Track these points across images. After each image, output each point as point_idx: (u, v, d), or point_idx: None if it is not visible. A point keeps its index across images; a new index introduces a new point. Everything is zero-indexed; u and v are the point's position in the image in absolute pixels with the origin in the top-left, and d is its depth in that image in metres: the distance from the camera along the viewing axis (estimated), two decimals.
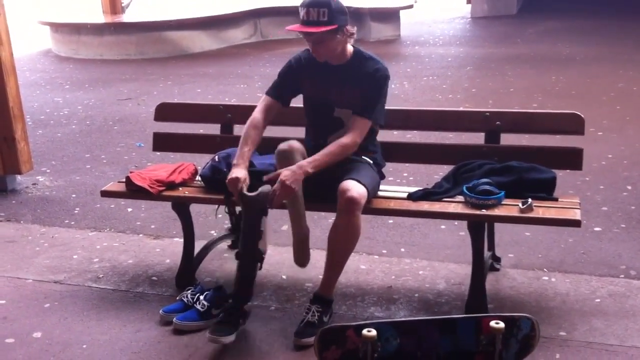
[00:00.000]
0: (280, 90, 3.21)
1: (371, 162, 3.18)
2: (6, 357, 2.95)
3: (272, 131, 3.28)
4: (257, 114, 3.17)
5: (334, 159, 2.99)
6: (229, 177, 2.98)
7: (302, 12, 2.97)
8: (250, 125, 3.15)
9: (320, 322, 2.93)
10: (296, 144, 3.05)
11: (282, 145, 3.02)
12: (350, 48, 3.12)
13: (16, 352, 2.98)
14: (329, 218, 3.72)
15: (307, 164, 2.93)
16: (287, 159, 2.97)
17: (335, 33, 2.98)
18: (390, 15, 11.47)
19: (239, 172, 2.98)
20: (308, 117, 3.31)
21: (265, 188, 2.91)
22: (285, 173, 2.88)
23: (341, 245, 2.97)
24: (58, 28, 11.47)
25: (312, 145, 3.18)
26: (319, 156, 2.97)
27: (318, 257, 3.72)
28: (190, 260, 3.52)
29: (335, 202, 2.94)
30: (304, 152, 3.05)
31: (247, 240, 2.91)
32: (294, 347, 2.90)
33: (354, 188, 2.89)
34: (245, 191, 2.94)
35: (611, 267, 3.54)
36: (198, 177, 3.52)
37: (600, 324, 3.00)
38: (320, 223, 3.96)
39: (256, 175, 3.11)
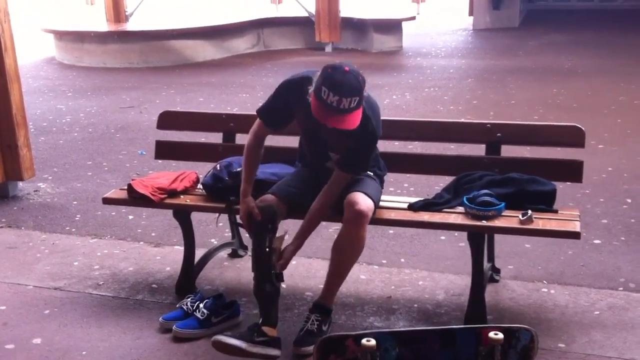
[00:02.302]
0: (272, 118, 3.10)
1: (372, 174, 3.19)
2: None
3: (273, 140, 3.29)
4: (253, 140, 3.13)
5: (317, 224, 3.08)
6: (243, 213, 3.05)
7: (332, 99, 2.72)
8: (248, 151, 3.13)
9: (319, 331, 2.93)
10: (265, 203, 3.03)
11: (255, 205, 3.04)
12: None
13: (16, 358, 2.98)
14: (330, 227, 3.74)
15: (302, 238, 3.04)
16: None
17: (361, 107, 2.83)
18: (392, 27, 11.51)
19: (250, 202, 3.05)
20: (302, 141, 3.29)
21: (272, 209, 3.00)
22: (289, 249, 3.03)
23: (345, 256, 2.99)
24: (62, 36, 11.51)
25: (309, 162, 3.21)
26: (304, 231, 3.05)
27: (318, 267, 3.74)
28: (191, 268, 3.52)
29: (338, 212, 2.96)
30: (277, 208, 3.03)
31: (256, 259, 2.95)
32: (293, 355, 2.91)
33: (362, 201, 2.92)
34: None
35: (610, 280, 3.55)
36: (200, 186, 3.54)
37: (599, 336, 3.00)
38: (321, 232, 3.97)
39: (258, 185, 3.15)
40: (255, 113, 3.17)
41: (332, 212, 3.07)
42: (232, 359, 2.85)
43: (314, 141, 3.14)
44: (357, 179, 3.07)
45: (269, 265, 2.94)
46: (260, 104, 3.15)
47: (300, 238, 3.05)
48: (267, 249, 2.93)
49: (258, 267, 2.94)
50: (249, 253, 3.27)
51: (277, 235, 3.00)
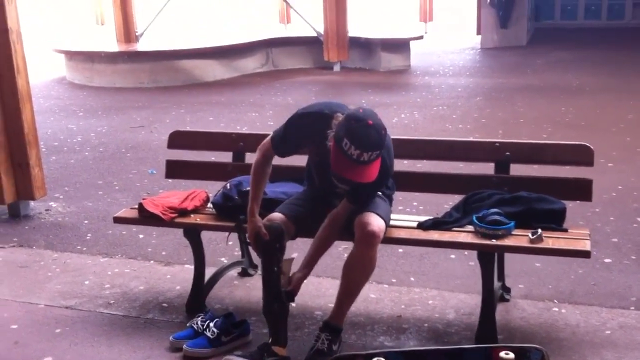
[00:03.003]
0: (282, 147, 3.11)
1: (380, 194, 3.20)
2: None
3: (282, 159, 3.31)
4: (260, 159, 3.14)
5: (325, 251, 3.11)
6: (250, 232, 3.07)
7: (353, 152, 2.71)
8: (256, 168, 3.14)
9: (329, 351, 2.93)
10: (272, 223, 3.03)
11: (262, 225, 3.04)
12: None
13: None
14: (339, 246, 3.74)
15: (307, 270, 3.08)
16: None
17: (379, 158, 2.82)
18: (400, 46, 11.58)
19: (258, 221, 3.06)
20: (310, 166, 3.30)
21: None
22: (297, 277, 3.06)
23: (356, 276, 2.99)
24: (72, 56, 11.64)
25: (317, 187, 3.22)
26: (311, 259, 3.08)
27: (327, 285, 3.74)
28: (201, 287, 3.53)
29: (348, 232, 2.98)
30: (285, 227, 3.03)
31: (265, 279, 2.96)
32: None
33: (375, 222, 2.94)
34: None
35: (622, 299, 3.53)
36: (210, 205, 3.55)
37: (610, 355, 2.98)
38: (330, 251, 3.93)
39: (268, 204, 3.17)
40: (265, 133, 3.18)
41: (342, 231, 3.07)
42: None
43: (323, 172, 3.12)
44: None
45: (278, 284, 2.95)
46: (276, 129, 3.15)
47: (308, 266, 3.07)
48: (276, 269, 2.94)
49: (267, 286, 2.95)
50: (259, 272, 3.28)
51: (286, 258, 3.01)
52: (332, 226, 3.04)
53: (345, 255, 4.01)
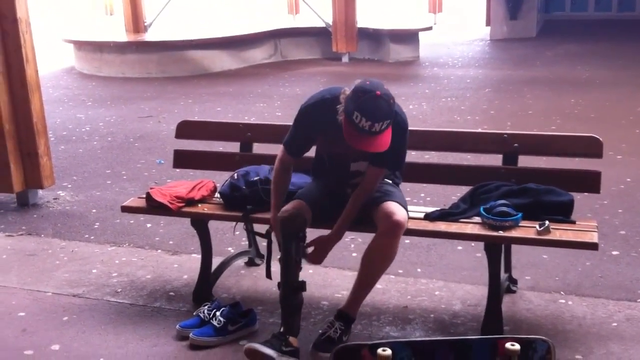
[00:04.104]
0: (296, 147, 3.15)
1: (390, 182, 3.20)
2: None
3: None
4: (279, 167, 3.16)
5: (357, 214, 3.05)
6: (274, 223, 3.06)
7: (365, 124, 2.75)
8: (275, 177, 3.17)
9: (339, 341, 2.94)
10: (295, 210, 2.99)
11: (282, 214, 2.99)
12: None
13: None
14: (346, 237, 3.74)
15: (341, 229, 3.04)
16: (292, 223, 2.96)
17: (390, 127, 2.85)
18: (409, 37, 11.53)
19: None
20: (319, 164, 3.29)
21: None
22: (321, 240, 3.03)
23: (377, 266, 3.00)
24: (81, 46, 11.65)
25: (332, 182, 3.20)
26: (346, 218, 3.04)
27: (334, 276, 3.75)
28: (208, 277, 3.55)
29: (368, 222, 2.98)
30: (305, 215, 3.01)
31: (284, 269, 2.93)
32: (310, 357, 2.91)
33: (399, 212, 2.95)
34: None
35: (629, 291, 3.52)
36: (217, 194, 3.56)
37: (617, 348, 2.98)
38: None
39: (289, 196, 3.17)
40: (273, 123, 3.18)
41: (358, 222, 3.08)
42: None
43: (338, 160, 3.14)
44: (384, 189, 3.08)
45: (297, 275, 2.94)
46: (285, 136, 3.17)
47: (340, 229, 3.04)
48: (296, 259, 2.93)
49: (286, 277, 2.92)
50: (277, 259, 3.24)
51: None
52: (362, 193, 3.03)
53: (352, 245, 4.05)
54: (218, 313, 3.16)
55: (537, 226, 2.98)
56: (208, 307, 3.24)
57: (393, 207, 2.96)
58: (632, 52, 11.25)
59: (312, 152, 3.29)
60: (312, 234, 3.06)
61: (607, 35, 13.10)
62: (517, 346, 2.52)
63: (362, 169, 3.11)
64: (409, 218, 3.16)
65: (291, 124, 3.16)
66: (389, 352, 2.51)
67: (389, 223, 2.92)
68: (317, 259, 3.08)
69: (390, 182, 3.19)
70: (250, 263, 3.93)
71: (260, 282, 3.69)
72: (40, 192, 5.23)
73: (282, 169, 3.16)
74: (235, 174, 3.46)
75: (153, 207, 3.48)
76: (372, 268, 2.99)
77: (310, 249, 3.03)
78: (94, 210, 5.02)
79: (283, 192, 3.15)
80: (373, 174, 3.04)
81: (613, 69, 9.86)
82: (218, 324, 3.12)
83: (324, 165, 3.25)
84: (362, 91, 2.79)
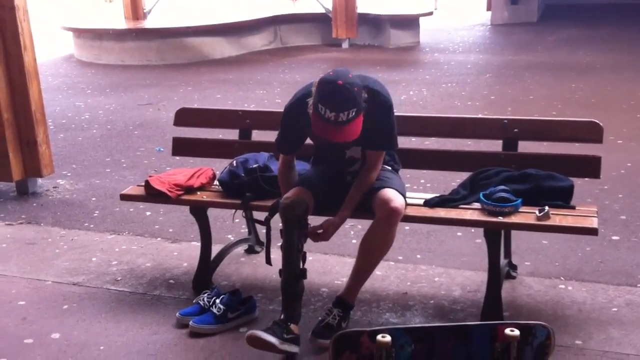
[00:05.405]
0: (288, 146, 3.15)
1: (389, 168, 3.19)
2: (25, 357, 2.99)
3: None
4: (282, 167, 3.17)
5: (362, 197, 3.04)
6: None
7: (329, 115, 2.74)
8: (280, 177, 3.17)
9: (338, 327, 2.94)
10: (298, 197, 2.97)
11: (285, 201, 2.96)
12: None
13: (34, 353, 3.02)
14: (345, 224, 3.73)
15: (347, 212, 3.01)
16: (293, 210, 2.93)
17: (360, 115, 2.83)
18: (409, 22, 11.48)
19: None
20: (318, 153, 3.29)
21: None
22: (329, 222, 2.99)
23: (375, 253, 2.99)
24: (80, 34, 11.61)
25: (331, 170, 3.19)
26: (352, 202, 3.02)
27: (334, 263, 3.75)
28: (207, 264, 3.54)
29: (367, 209, 2.98)
30: (308, 202, 2.99)
31: (286, 256, 2.92)
32: (309, 350, 2.91)
33: (397, 199, 2.94)
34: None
35: (629, 276, 3.52)
36: (216, 182, 3.55)
37: (616, 333, 2.98)
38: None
39: (275, 182, 3.19)
40: (272, 110, 3.17)
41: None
42: (251, 354, 2.86)
43: (331, 153, 3.16)
44: (380, 176, 3.07)
45: (299, 262, 2.93)
46: (276, 138, 3.18)
47: (346, 209, 3.02)
48: (298, 245, 2.92)
49: (288, 264, 2.91)
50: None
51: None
52: (366, 176, 3.03)
53: (352, 232, 4.05)
54: (218, 301, 3.16)
55: (537, 212, 2.97)
56: (208, 294, 3.24)
57: (390, 194, 2.95)
58: (634, 36, 11.19)
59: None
60: (314, 221, 3.05)
61: (609, 19, 13.04)
62: (516, 332, 2.52)
63: (356, 155, 3.11)
64: (409, 205, 3.16)
65: None
66: (388, 338, 2.51)
67: (386, 210, 2.91)
68: (320, 238, 3.03)
69: (389, 168, 3.18)
70: (250, 250, 3.93)
71: (260, 269, 3.69)
72: (39, 180, 5.22)
73: (284, 168, 3.17)
74: (234, 162, 3.45)
75: (152, 195, 3.47)
76: (369, 255, 2.99)
77: (320, 231, 3.00)
78: (93, 199, 5.02)
79: (292, 184, 3.13)
80: (372, 156, 3.05)
81: (614, 54, 9.81)
82: (218, 311, 3.12)
83: (321, 155, 3.25)
84: (324, 82, 2.79)
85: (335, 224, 3.00)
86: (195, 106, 6.93)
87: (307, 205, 2.96)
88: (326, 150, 3.20)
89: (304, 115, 2.92)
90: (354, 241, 3.92)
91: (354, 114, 2.77)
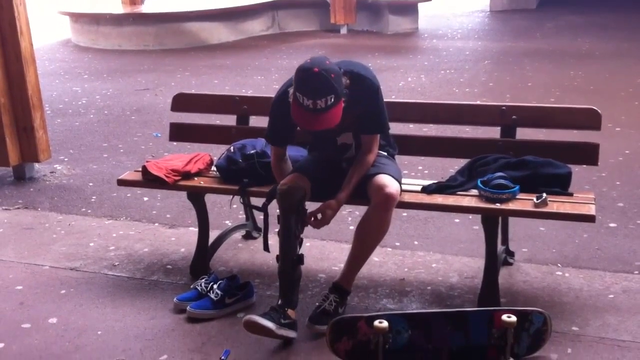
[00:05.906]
0: (277, 138, 3.14)
1: (385, 154, 3.19)
2: (22, 342, 2.99)
3: None
4: (275, 161, 3.16)
5: (359, 180, 3.02)
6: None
7: (307, 102, 2.75)
8: (274, 169, 3.16)
9: (335, 313, 2.94)
10: (295, 183, 2.97)
11: (282, 187, 2.96)
12: None
13: (32, 337, 3.02)
14: (342, 210, 3.73)
15: (344, 196, 3.00)
16: (291, 197, 2.93)
17: (340, 102, 2.82)
18: (408, 8, 11.42)
19: None
20: (311, 142, 3.29)
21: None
22: (326, 205, 2.98)
23: (370, 239, 2.99)
24: (77, 18, 11.54)
25: (321, 146, 3.19)
26: (350, 185, 3.00)
27: (331, 249, 3.75)
28: (205, 250, 3.54)
29: (363, 195, 2.98)
30: (305, 188, 2.99)
31: (284, 242, 2.92)
32: (306, 335, 2.91)
33: (392, 185, 2.94)
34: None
35: (626, 263, 3.53)
36: (213, 168, 3.55)
37: (613, 319, 2.99)
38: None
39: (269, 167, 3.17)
40: (269, 96, 3.16)
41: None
42: (249, 339, 2.87)
43: (323, 141, 3.16)
44: (376, 162, 3.07)
45: (296, 247, 2.93)
46: (266, 130, 3.19)
47: (344, 191, 3.00)
48: (296, 231, 2.92)
49: (285, 250, 2.92)
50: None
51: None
52: (363, 161, 3.03)
53: (350, 218, 4.05)
54: (215, 286, 3.16)
55: (535, 198, 2.97)
56: (205, 280, 3.24)
57: (385, 179, 2.95)
58: (633, 23, 11.16)
59: None
60: (311, 208, 3.05)
61: (608, 6, 12.98)
62: (513, 318, 2.53)
63: (348, 142, 3.11)
64: (407, 191, 3.15)
65: None
66: (385, 324, 2.52)
67: (381, 196, 2.91)
68: (319, 224, 3.02)
69: (385, 154, 3.17)
70: (248, 236, 3.93)
71: (257, 255, 3.69)
72: (36, 165, 5.21)
73: (277, 160, 3.17)
74: (232, 147, 3.44)
75: (149, 180, 3.46)
76: (365, 241, 2.99)
77: (319, 216, 2.99)
78: (90, 184, 5.01)
79: (286, 175, 3.11)
80: (366, 140, 3.05)
81: (614, 41, 9.78)
82: (215, 296, 3.12)
83: (315, 143, 3.26)
84: (301, 70, 2.80)
85: (333, 207, 2.99)
86: (193, 91, 6.88)
87: (304, 192, 2.96)
88: (318, 139, 3.20)
89: (288, 105, 2.90)
90: (351, 227, 3.92)
91: (332, 100, 2.76)
